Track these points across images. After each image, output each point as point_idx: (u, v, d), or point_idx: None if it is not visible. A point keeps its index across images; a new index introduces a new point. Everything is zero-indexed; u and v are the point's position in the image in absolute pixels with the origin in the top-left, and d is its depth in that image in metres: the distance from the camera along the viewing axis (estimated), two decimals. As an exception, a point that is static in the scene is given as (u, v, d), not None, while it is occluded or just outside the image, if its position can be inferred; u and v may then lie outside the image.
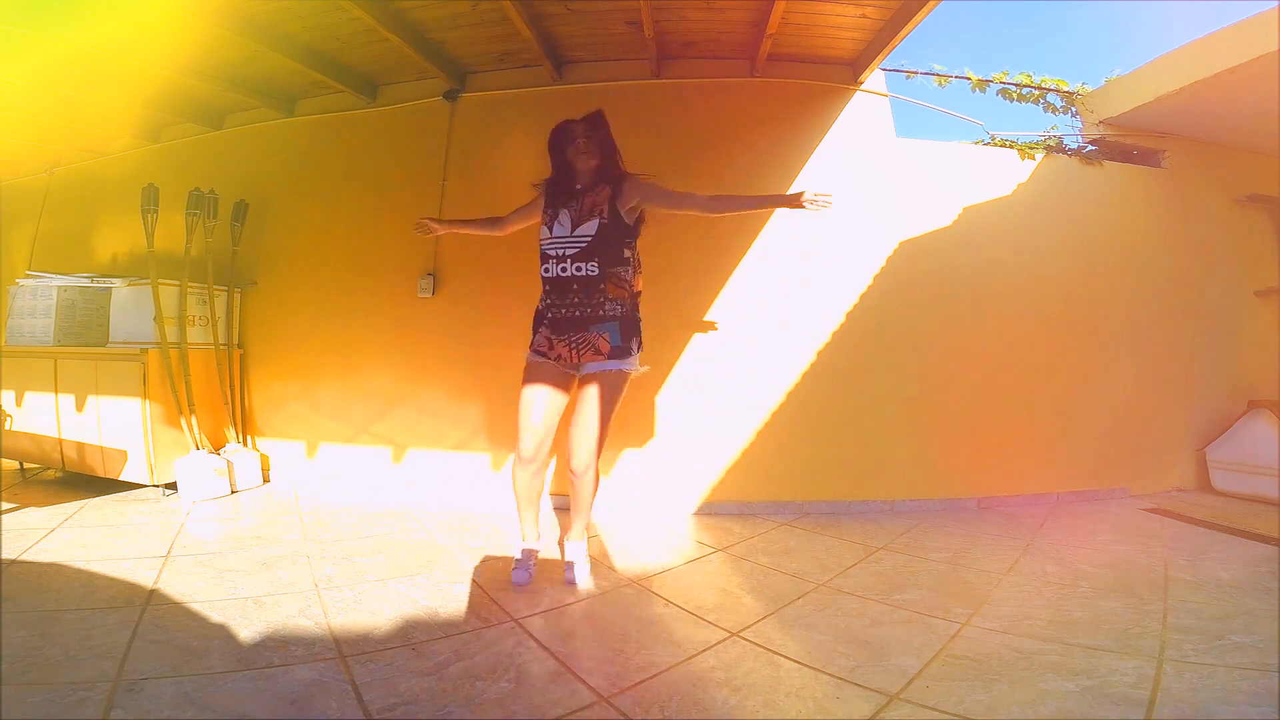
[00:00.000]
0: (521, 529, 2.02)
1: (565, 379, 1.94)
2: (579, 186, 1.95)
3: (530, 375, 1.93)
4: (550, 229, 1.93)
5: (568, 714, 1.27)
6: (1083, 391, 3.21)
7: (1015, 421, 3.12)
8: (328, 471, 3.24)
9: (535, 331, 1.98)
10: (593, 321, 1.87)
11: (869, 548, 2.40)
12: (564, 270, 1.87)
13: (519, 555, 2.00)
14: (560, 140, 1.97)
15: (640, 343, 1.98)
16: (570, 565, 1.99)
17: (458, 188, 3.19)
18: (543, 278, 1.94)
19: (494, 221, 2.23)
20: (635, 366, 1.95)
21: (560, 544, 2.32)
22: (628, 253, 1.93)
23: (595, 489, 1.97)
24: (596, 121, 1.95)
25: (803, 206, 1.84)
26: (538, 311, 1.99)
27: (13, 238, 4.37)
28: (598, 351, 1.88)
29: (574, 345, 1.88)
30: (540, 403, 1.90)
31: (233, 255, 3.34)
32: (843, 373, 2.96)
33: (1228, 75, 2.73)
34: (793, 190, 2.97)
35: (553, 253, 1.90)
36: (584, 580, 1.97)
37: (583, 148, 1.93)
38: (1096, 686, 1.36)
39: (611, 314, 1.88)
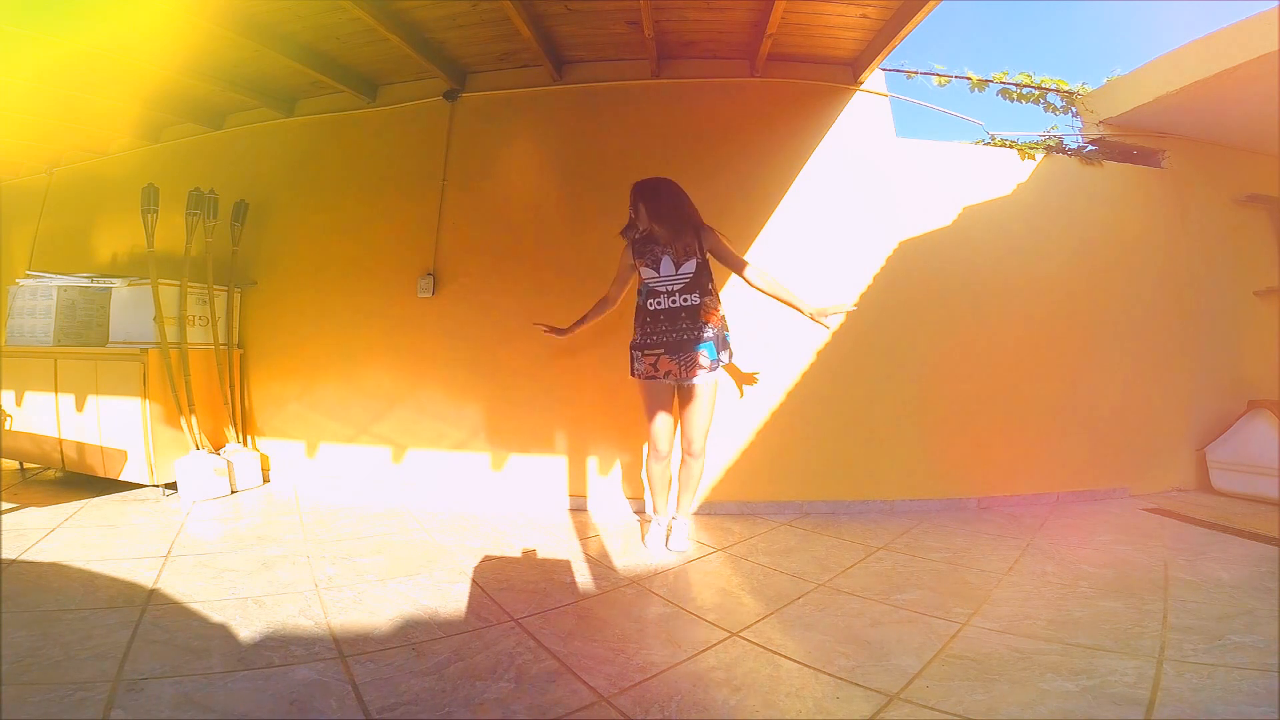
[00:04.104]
0: (654, 504, 2.44)
1: (671, 391, 2.32)
2: (666, 234, 2.26)
3: (650, 396, 2.31)
4: (658, 270, 2.27)
5: (568, 714, 1.27)
6: (1082, 391, 3.20)
7: (1015, 421, 3.11)
8: (328, 471, 3.24)
9: (639, 359, 2.28)
10: (696, 342, 2.22)
11: (869, 548, 2.40)
12: (674, 302, 2.24)
13: (654, 522, 2.43)
14: (643, 194, 2.28)
15: (731, 351, 2.34)
16: (673, 532, 2.39)
17: (457, 187, 3.19)
18: (651, 310, 2.26)
19: (606, 301, 2.43)
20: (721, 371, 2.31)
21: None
22: (711, 285, 2.29)
23: (702, 472, 2.41)
24: (672, 182, 2.31)
25: (815, 320, 2.26)
26: (637, 341, 2.29)
27: (13, 238, 4.37)
28: (700, 366, 2.22)
29: (682, 364, 2.22)
30: (664, 417, 2.30)
31: (233, 255, 3.34)
32: (842, 373, 2.96)
33: (1228, 75, 2.73)
34: (793, 189, 3.01)
35: (662, 289, 2.25)
36: (680, 544, 2.35)
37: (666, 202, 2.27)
38: (1096, 686, 1.36)
39: (708, 336, 2.23)
